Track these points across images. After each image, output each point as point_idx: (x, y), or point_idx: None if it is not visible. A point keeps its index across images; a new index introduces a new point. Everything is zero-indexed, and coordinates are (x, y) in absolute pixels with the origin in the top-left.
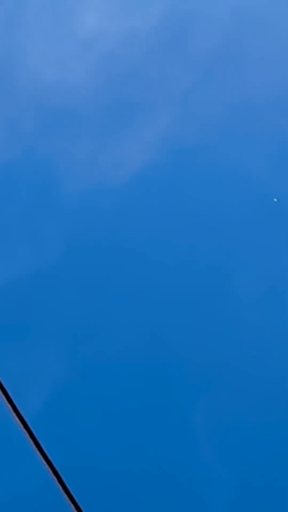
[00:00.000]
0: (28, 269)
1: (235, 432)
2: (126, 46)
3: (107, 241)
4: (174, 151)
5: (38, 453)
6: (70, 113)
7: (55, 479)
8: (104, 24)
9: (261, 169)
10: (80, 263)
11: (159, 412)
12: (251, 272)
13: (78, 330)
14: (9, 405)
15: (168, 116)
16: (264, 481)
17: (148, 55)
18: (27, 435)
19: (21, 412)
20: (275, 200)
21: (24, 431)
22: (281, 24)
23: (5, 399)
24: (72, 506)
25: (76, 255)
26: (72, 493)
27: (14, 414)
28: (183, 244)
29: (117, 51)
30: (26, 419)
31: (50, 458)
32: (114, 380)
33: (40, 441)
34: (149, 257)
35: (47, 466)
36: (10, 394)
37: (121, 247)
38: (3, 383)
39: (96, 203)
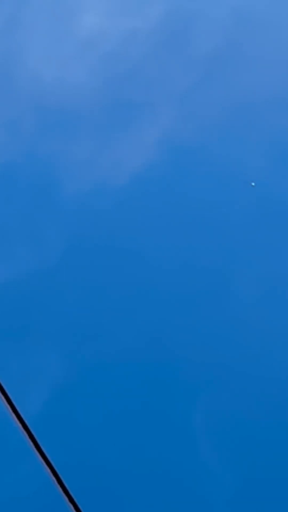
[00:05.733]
0: (27, 270)
1: (234, 432)
2: (126, 46)
3: (106, 241)
4: (173, 151)
5: (38, 453)
6: (70, 113)
7: (54, 479)
8: (104, 24)
9: (261, 169)
10: (80, 263)
11: (159, 412)
12: (251, 272)
13: (78, 331)
14: (8, 406)
15: (168, 116)
16: (264, 480)
17: (148, 55)
18: (26, 435)
19: (20, 413)
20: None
21: (24, 431)
22: (281, 24)
23: (4, 400)
24: (72, 506)
25: (75, 256)
26: (71, 493)
27: (13, 415)
28: (183, 244)
29: (117, 51)
30: (25, 419)
31: (49, 458)
32: (114, 380)
33: (39, 442)
34: (149, 257)
35: (46, 466)
36: (9, 395)
37: (120, 247)
38: (2, 383)
39: (96, 203)
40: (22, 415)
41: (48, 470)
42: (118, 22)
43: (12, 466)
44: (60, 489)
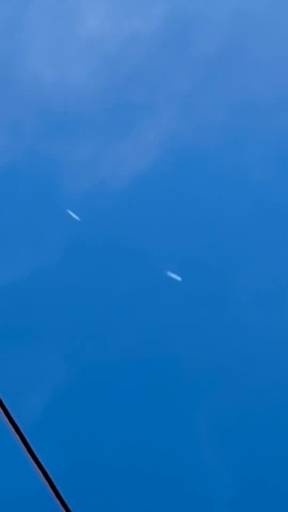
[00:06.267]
0: (28, 271)
1: (236, 433)
2: (128, 48)
3: (108, 243)
4: (175, 153)
5: (30, 457)
6: (71, 115)
7: (47, 483)
8: (106, 26)
9: (263, 171)
10: (81, 265)
11: (161, 415)
12: (252, 274)
13: (79, 333)
14: (1, 411)
15: (169, 118)
16: (265, 482)
17: (150, 57)
18: (19, 440)
19: (12, 416)
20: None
21: (17, 436)
22: (282, 26)
23: None
24: (63, 509)
25: (77, 257)
26: (64, 498)
27: (6, 419)
28: (185, 246)
29: (119, 53)
30: (19, 423)
31: (43, 464)
32: (115, 383)
33: (32, 448)
34: (150, 259)
35: (39, 472)
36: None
37: (122, 249)
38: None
39: (98, 205)
40: (15, 419)
41: (40, 473)
42: (120, 24)
43: (9, 468)
44: (53, 494)
